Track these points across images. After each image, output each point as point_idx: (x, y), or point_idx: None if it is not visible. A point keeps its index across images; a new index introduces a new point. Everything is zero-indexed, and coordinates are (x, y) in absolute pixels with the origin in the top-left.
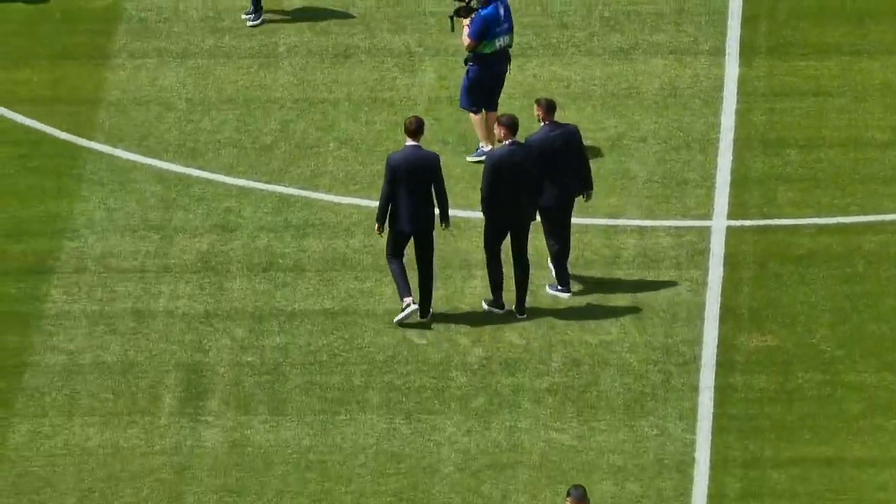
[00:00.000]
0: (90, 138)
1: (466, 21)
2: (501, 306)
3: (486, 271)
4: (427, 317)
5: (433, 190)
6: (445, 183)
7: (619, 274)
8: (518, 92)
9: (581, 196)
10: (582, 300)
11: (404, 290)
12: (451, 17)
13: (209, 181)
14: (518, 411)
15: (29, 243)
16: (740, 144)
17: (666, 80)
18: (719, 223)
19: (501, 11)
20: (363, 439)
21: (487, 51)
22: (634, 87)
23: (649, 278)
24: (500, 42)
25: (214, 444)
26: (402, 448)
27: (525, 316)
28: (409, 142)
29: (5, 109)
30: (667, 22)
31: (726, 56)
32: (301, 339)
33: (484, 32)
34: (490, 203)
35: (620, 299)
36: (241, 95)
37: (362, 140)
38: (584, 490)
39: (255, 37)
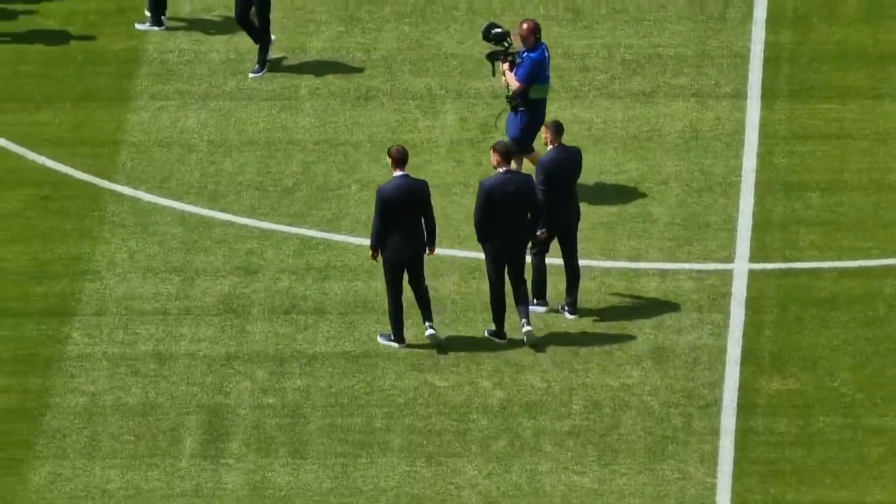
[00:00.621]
0: (112, 180)
1: (505, 65)
2: (503, 336)
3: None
4: (432, 321)
5: (423, 217)
6: (437, 213)
7: (641, 317)
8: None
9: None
10: (603, 343)
11: (398, 336)
12: (492, 62)
13: (231, 223)
14: (539, 454)
15: (50, 285)
16: (762, 187)
17: (687, 123)
18: (741, 266)
19: (547, 55)
20: (384, 482)
21: (539, 95)
22: (656, 130)
23: (670, 321)
24: (548, 86)
25: (235, 486)
26: (423, 491)
27: (531, 328)
28: (397, 171)
29: (27, 151)
30: (688, 65)
31: (748, 99)
32: (322, 382)
33: (533, 76)
34: (483, 230)
35: (641, 342)
36: (263, 137)
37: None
38: None
39: (276, 79)
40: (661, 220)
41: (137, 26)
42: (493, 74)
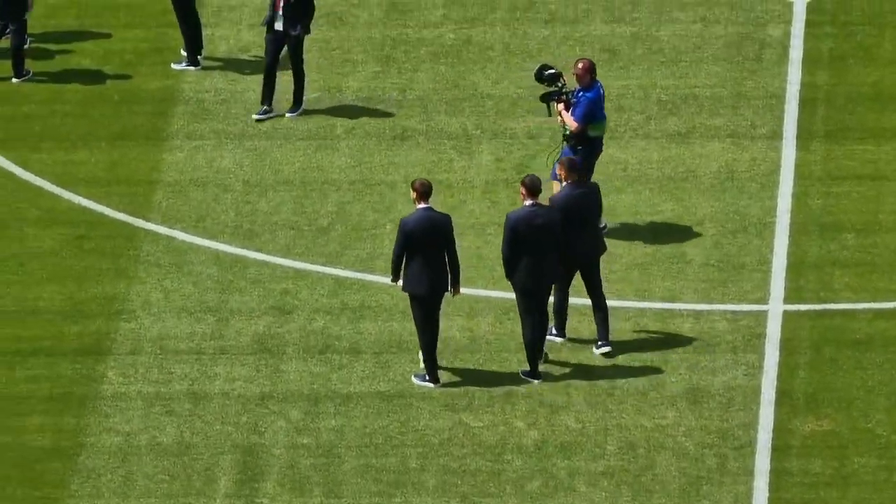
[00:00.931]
0: (147, 219)
1: (560, 105)
2: (538, 376)
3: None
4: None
5: (445, 253)
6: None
7: (675, 358)
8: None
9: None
10: (637, 384)
11: (433, 375)
12: (548, 103)
13: (266, 263)
14: (574, 495)
15: (86, 324)
16: (797, 228)
17: (723, 164)
18: (776, 307)
19: (602, 93)
20: None
21: (597, 133)
22: (691, 171)
23: (705, 362)
24: (605, 123)
25: None
26: None
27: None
28: (421, 204)
29: (63, 190)
30: (724, 106)
31: (783, 140)
32: (357, 422)
33: (590, 115)
34: (510, 265)
35: (676, 383)
36: (298, 177)
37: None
38: None
39: (312, 118)
40: (695, 261)
41: (173, 66)
42: (550, 114)
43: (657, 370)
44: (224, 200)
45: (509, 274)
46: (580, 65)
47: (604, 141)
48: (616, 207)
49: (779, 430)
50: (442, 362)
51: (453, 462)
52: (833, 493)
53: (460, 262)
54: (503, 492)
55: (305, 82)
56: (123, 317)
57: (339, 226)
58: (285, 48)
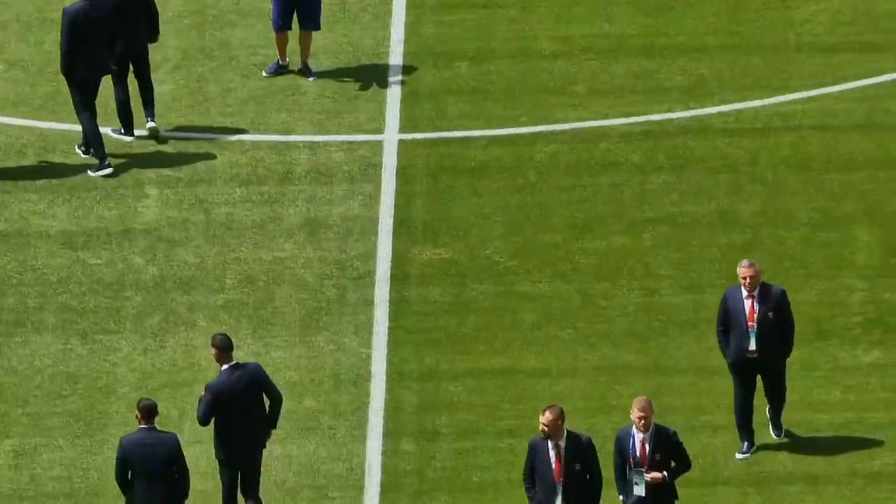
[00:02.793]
0: None
1: None
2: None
3: None
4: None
5: None
6: None
7: (292, 190)
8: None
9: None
10: (255, 216)
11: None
12: None
13: None
14: (194, 329)
15: None
16: (410, 58)
17: None
18: (391, 137)
19: None
20: (39, 361)
21: None
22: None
23: (322, 194)
24: None
25: None
26: (78, 369)
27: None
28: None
29: None
30: None
31: None
32: None
33: None
34: (67, 57)
35: (294, 215)
36: None
37: (32, 62)
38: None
39: None
40: (310, 93)
41: None
42: None
43: (274, 203)
44: None
45: (64, 68)
46: None
47: None
48: (230, 42)
49: (397, 260)
50: (57, 201)
51: (73, 300)
52: (452, 321)
53: None
54: (123, 328)
55: None
56: None
57: None
58: None
